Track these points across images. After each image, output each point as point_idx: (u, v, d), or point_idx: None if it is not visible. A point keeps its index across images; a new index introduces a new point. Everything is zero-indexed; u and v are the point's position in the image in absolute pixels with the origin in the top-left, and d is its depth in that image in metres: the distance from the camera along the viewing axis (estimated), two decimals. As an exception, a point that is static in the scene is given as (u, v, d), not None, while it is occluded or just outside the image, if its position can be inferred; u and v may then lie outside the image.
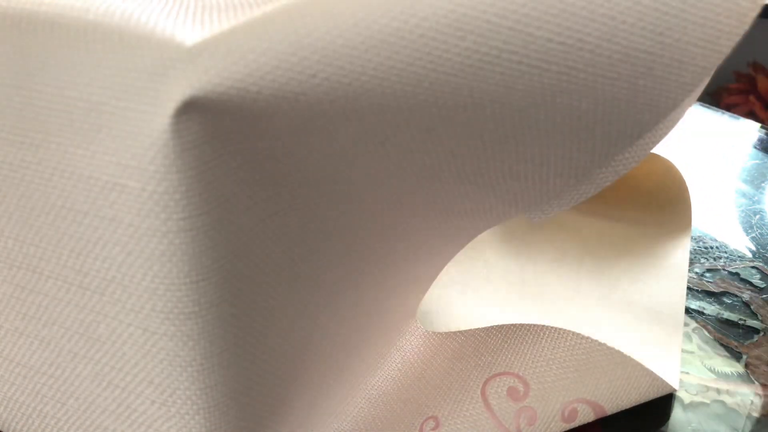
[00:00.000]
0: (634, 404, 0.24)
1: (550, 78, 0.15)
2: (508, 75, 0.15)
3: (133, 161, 0.14)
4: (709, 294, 0.32)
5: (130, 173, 0.14)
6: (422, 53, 0.14)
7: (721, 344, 0.29)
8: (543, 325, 0.25)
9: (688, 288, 0.32)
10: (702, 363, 0.28)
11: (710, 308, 0.31)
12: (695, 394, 0.26)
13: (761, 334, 0.29)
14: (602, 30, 0.15)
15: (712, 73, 0.17)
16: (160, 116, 0.14)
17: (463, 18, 0.14)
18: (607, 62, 0.15)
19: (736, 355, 0.28)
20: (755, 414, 0.25)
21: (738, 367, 0.28)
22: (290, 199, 0.16)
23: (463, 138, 0.16)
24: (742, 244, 0.35)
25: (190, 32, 0.14)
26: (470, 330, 0.25)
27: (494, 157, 0.17)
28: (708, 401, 0.26)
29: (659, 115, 0.17)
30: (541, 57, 0.15)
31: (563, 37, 0.15)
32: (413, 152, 0.16)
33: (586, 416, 0.23)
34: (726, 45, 0.16)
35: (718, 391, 0.26)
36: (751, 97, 1.37)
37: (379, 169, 0.17)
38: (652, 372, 0.24)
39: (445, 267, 0.31)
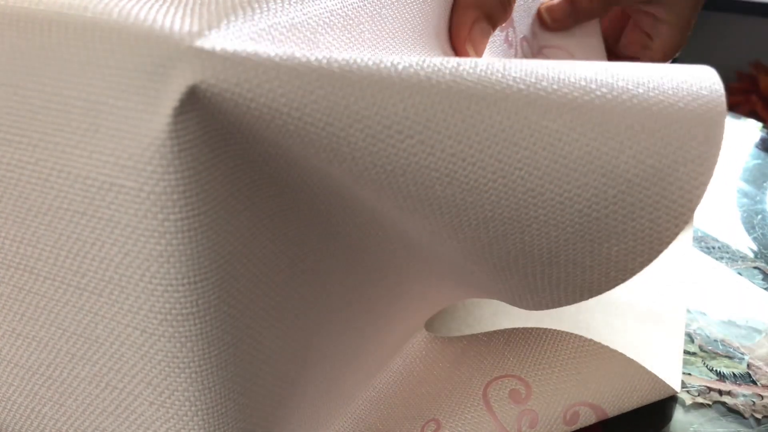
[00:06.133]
0: (635, 407, 0.24)
1: (557, 237, 0.17)
2: (518, 240, 0.17)
3: (130, 161, 0.14)
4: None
5: (127, 173, 0.14)
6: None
7: (723, 345, 0.29)
8: (545, 328, 0.24)
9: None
10: (704, 364, 0.28)
11: (712, 309, 0.31)
12: (697, 396, 0.26)
13: (763, 335, 0.29)
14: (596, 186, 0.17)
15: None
16: (158, 116, 0.13)
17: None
18: (603, 219, 0.17)
19: (738, 357, 0.28)
20: (757, 415, 0.25)
21: (740, 369, 0.27)
22: (290, 200, 0.16)
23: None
24: (744, 244, 0.35)
25: (188, 31, 0.13)
26: (472, 333, 0.25)
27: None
28: (710, 402, 0.26)
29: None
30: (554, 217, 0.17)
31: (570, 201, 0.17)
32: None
33: (587, 419, 0.23)
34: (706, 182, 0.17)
35: (720, 392, 0.26)
36: (753, 97, 1.37)
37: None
38: (653, 374, 0.24)
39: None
